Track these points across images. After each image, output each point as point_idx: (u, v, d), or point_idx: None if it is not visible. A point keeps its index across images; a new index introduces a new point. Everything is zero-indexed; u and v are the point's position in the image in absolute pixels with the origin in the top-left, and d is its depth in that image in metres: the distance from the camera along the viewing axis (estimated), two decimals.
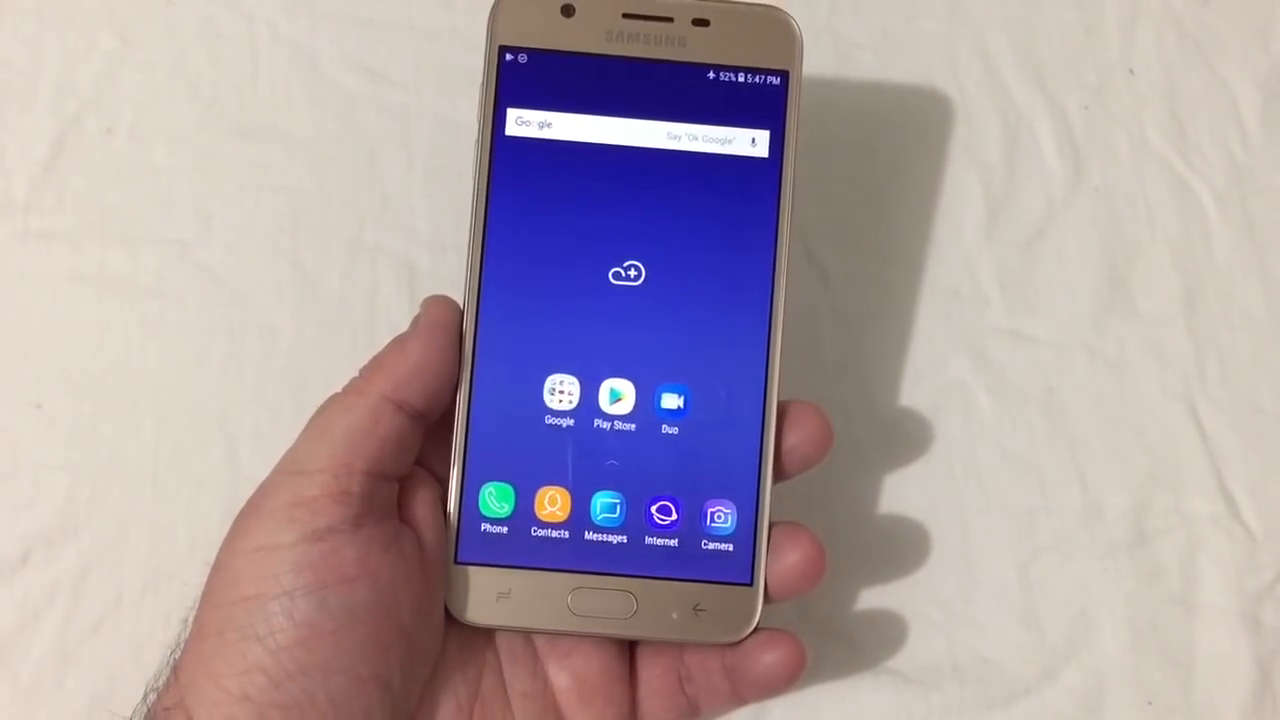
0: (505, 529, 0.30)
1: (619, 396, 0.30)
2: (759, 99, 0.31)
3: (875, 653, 0.36)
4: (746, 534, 0.30)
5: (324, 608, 0.26)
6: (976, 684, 0.35)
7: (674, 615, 0.30)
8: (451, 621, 0.30)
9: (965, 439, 0.38)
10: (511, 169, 0.30)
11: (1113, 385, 0.38)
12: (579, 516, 0.30)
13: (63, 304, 0.38)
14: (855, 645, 0.36)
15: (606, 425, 0.30)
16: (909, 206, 0.40)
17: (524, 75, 0.31)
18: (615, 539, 0.30)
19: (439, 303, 0.30)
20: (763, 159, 0.31)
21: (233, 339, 0.38)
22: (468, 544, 0.30)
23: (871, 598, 0.36)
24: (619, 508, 0.30)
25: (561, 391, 0.30)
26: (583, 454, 0.30)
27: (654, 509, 0.30)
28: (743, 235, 0.31)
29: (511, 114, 0.30)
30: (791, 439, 0.31)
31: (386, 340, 0.37)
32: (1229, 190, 0.41)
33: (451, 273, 0.38)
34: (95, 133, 0.39)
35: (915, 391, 0.38)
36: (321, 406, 0.29)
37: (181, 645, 0.28)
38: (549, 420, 0.30)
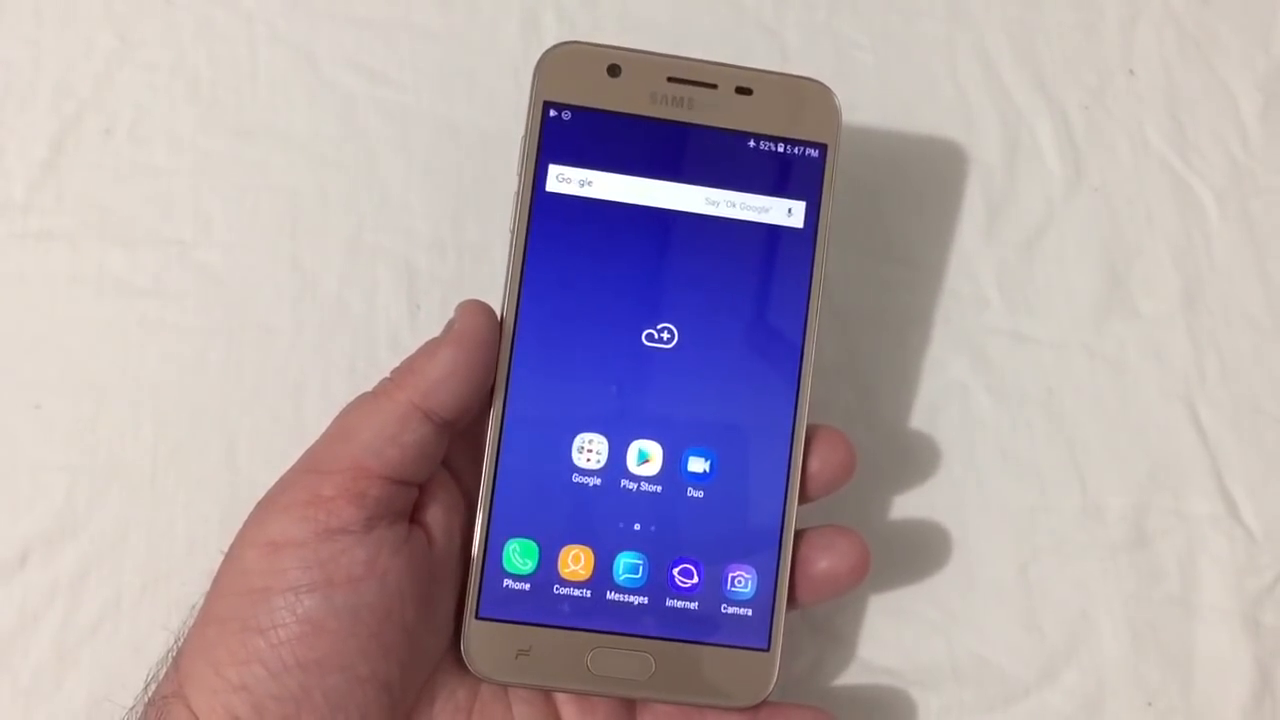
0: (528, 585, 0.29)
1: (646, 458, 0.30)
2: (797, 170, 0.31)
3: (875, 654, 0.36)
4: (766, 599, 0.30)
5: (329, 606, 0.26)
6: (976, 685, 0.35)
7: (691, 678, 0.30)
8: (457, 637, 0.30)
9: (965, 439, 0.38)
10: (550, 225, 0.30)
11: (1112, 386, 0.38)
12: (601, 576, 0.30)
13: (62, 304, 0.38)
14: (855, 646, 0.36)
15: (633, 486, 0.30)
16: (909, 207, 0.40)
17: (567, 132, 0.30)
18: (636, 600, 0.30)
19: (473, 308, 0.29)
20: (798, 229, 0.31)
21: (232, 339, 0.38)
22: (489, 599, 0.29)
23: (871, 599, 0.36)
24: (641, 569, 0.30)
25: (590, 450, 0.30)
26: (608, 513, 0.30)
27: (676, 571, 0.30)
28: (775, 303, 0.31)
29: (553, 170, 0.30)
30: (815, 464, 0.31)
31: (385, 340, 0.37)
32: (1229, 190, 0.40)
33: (450, 273, 0.38)
34: (94, 133, 0.39)
35: (915, 392, 0.38)
36: (347, 406, 0.29)
37: (185, 634, 0.28)
38: (576, 479, 0.30)
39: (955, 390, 0.38)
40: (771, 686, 0.30)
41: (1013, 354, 0.39)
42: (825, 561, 0.30)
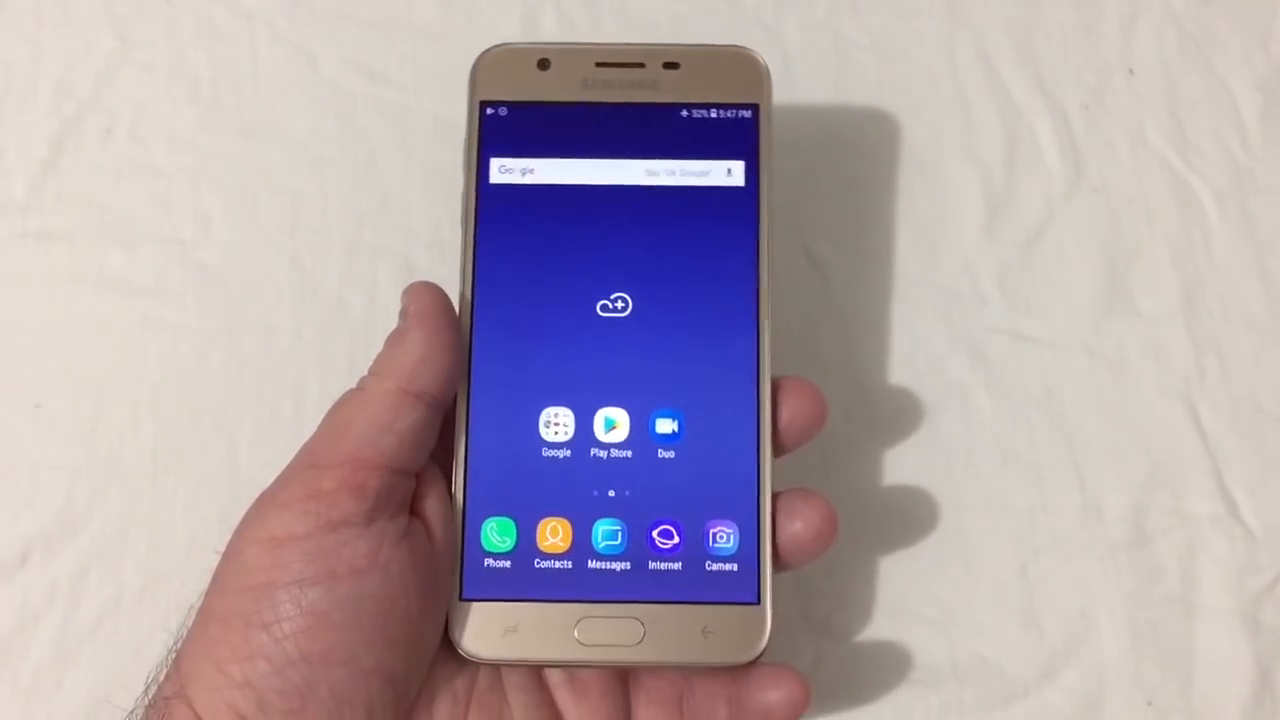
0: (509, 563, 0.30)
1: (613, 424, 0.30)
2: (732, 132, 0.32)
3: (874, 653, 0.36)
4: (750, 553, 0.30)
5: (332, 598, 0.26)
6: (976, 684, 0.35)
7: (682, 639, 0.30)
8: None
9: (965, 439, 0.38)
10: (497, 214, 0.31)
11: (1112, 385, 0.38)
12: (581, 546, 0.30)
13: (62, 304, 0.38)
14: (854, 645, 0.36)
15: (603, 454, 0.30)
16: (909, 207, 0.40)
17: (504, 126, 0.32)
18: (619, 566, 0.30)
19: (421, 289, 0.30)
20: (740, 188, 0.32)
21: (232, 339, 0.38)
22: (472, 580, 0.30)
23: (871, 598, 0.36)
24: (620, 535, 0.30)
25: (556, 423, 0.30)
26: (581, 483, 0.30)
27: (655, 534, 0.30)
28: (725, 261, 0.31)
29: (494, 163, 0.32)
30: (785, 415, 0.31)
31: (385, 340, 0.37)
32: (1229, 190, 0.40)
33: (450, 273, 0.38)
34: (95, 133, 0.39)
35: (915, 392, 0.38)
36: (337, 403, 0.29)
37: (183, 635, 0.28)
38: (546, 453, 0.30)
39: (955, 390, 0.38)
40: (765, 641, 0.30)
41: (1012, 353, 0.39)
42: (798, 524, 0.30)
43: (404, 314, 0.30)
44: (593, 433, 0.30)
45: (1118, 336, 0.39)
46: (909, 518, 0.37)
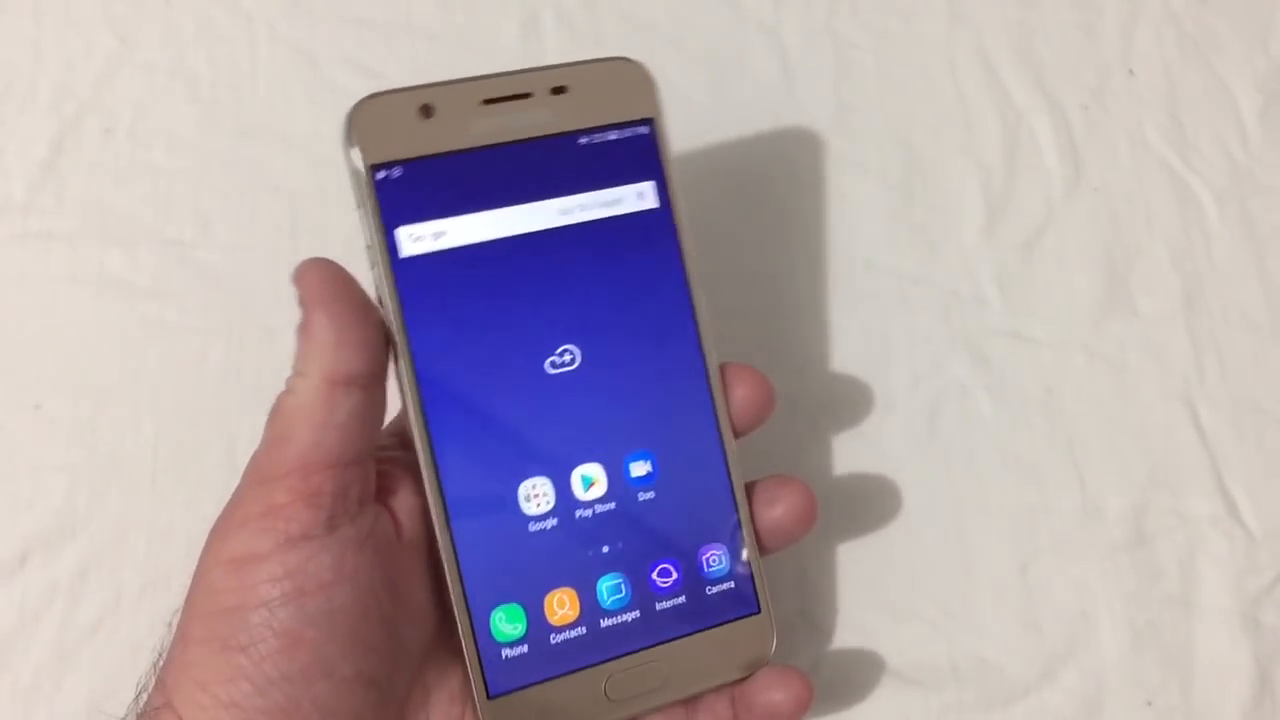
0: (525, 648, 0.29)
1: (591, 481, 0.30)
2: (633, 152, 0.31)
3: (874, 654, 0.36)
4: (743, 567, 0.31)
5: (303, 615, 0.26)
6: (976, 685, 0.35)
7: (702, 666, 0.30)
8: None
9: (964, 440, 0.38)
10: (419, 290, 0.29)
11: (1112, 386, 0.38)
12: (590, 608, 0.30)
13: (62, 305, 0.38)
14: (854, 646, 0.36)
15: (588, 513, 0.30)
16: (907, 207, 0.40)
17: (402, 190, 0.29)
18: (630, 616, 0.30)
19: (309, 269, 0.28)
20: (654, 209, 0.31)
21: (231, 340, 0.38)
22: (494, 677, 0.29)
23: (870, 599, 0.36)
24: (624, 586, 0.30)
25: (536, 495, 0.29)
26: (575, 548, 0.30)
27: (655, 575, 0.30)
28: (657, 287, 0.31)
29: (402, 234, 0.29)
30: (735, 405, 0.31)
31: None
32: (1228, 191, 0.40)
33: None
34: (94, 133, 0.39)
35: (915, 392, 0.38)
36: (272, 413, 0.28)
37: (166, 652, 0.28)
38: (533, 527, 0.29)
39: (954, 390, 0.38)
40: (773, 645, 0.31)
41: (1012, 354, 0.39)
42: (779, 510, 0.31)
43: (301, 302, 0.28)
44: (573, 494, 0.30)
45: (1117, 337, 0.39)
46: (908, 518, 0.37)
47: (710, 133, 0.41)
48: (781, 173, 0.40)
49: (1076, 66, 0.42)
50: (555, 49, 0.41)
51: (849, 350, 0.38)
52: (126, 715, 0.28)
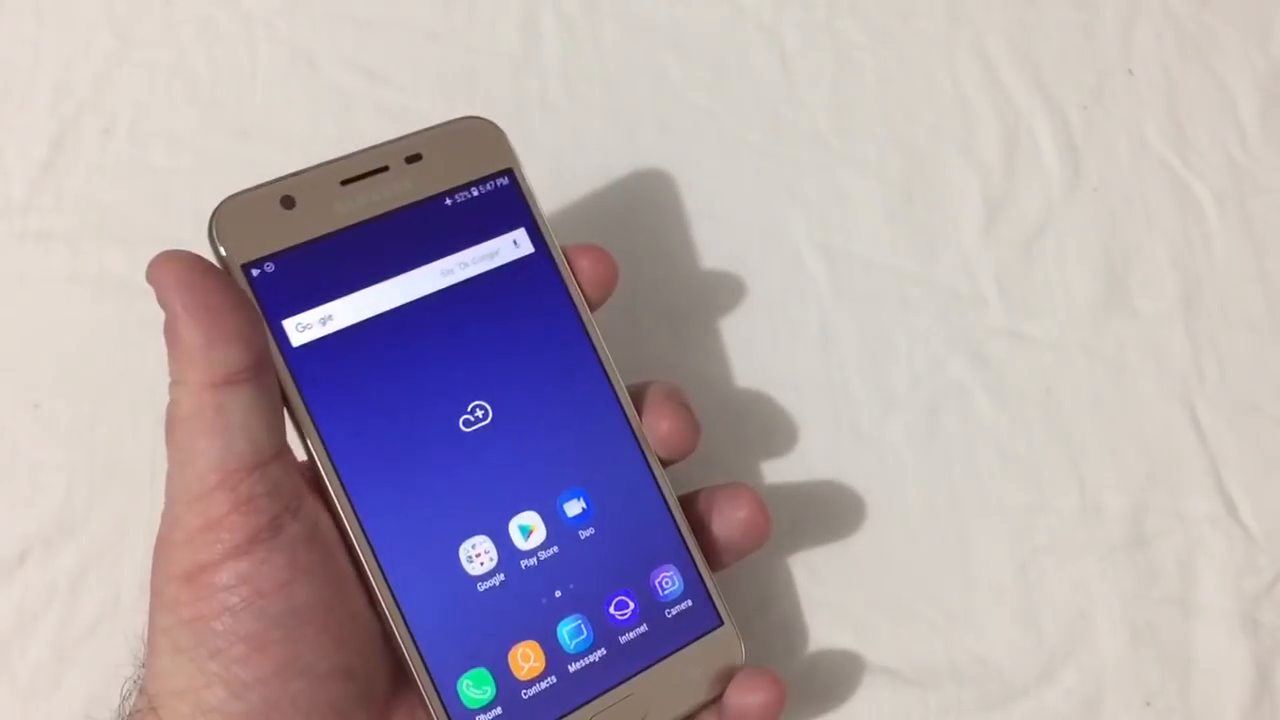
0: (499, 709, 0.29)
1: (530, 529, 0.30)
2: (499, 203, 0.31)
3: (873, 654, 0.36)
4: (696, 583, 0.31)
5: (266, 617, 0.26)
6: (974, 685, 0.35)
7: (678, 690, 0.30)
8: None
9: (963, 439, 0.38)
10: (316, 376, 0.29)
11: (1111, 386, 0.38)
12: (555, 656, 0.29)
13: (61, 304, 0.38)
14: (853, 646, 0.36)
15: (533, 561, 0.30)
16: (908, 207, 0.40)
17: (280, 283, 0.29)
18: (596, 656, 0.30)
19: (161, 267, 0.27)
20: (531, 254, 0.31)
21: None
22: None
23: (869, 598, 0.36)
24: (584, 627, 0.30)
25: (478, 554, 0.29)
26: (528, 599, 0.29)
27: (612, 609, 0.30)
28: (550, 328, 0.31)
29: (289, 325, 0.29)
30: (663, 433, 0.31)
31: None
32: (1228, 191, 0.40)
33: None
34: (94, 133, 0.39)
35: (914, 391, 0.38)
36: (168, 437, 0.27)
37: (143, 661, 0.28)
38: (481, 586, 0.29)
39: (954, 390, 0.38)
40: (744, 652, 0.31)
41: (1011, 354, 0.39)
42: (729, 525, 0.31)
43: (161, 302, 0.27)
44: (515, 546, 0.30)
45: (1117, 337, 0.39)
46: (907, 518, 0.37)
47: (710, 132, 0.41)
48: (781, 172, 0.40)
49: (1076, 66, 0.42)
50: (555, 49, 0.41)
51: (849, 350, 0.39)
52: (115, 718, 0.28)
